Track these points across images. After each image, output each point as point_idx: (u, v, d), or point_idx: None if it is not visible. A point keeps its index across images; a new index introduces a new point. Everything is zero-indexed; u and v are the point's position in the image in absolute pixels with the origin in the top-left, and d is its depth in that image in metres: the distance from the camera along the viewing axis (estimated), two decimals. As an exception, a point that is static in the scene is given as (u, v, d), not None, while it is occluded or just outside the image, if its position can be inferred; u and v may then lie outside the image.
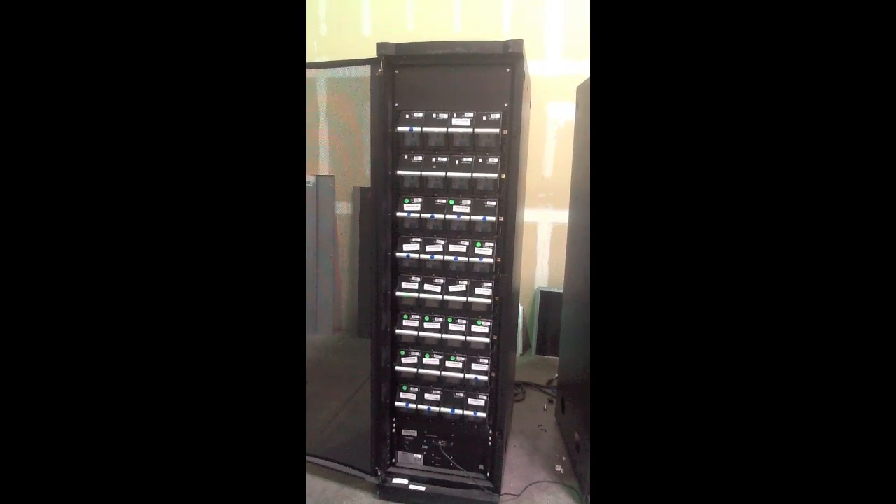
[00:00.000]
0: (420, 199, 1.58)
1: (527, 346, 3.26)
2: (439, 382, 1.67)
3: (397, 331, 1.65)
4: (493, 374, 1.64)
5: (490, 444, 1.68)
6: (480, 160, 1.52)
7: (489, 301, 1.57)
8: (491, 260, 1.55)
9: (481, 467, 1.71)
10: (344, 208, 3.45)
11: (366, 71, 1.54)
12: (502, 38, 1.40)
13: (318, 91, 3.36)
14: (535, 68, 2.98)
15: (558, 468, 1.96)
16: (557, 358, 2.63)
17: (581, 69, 2.99)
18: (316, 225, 3.36)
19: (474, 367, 1.62)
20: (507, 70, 1.45)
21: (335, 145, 3.41)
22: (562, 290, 2.36)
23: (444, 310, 1.63)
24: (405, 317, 1.65)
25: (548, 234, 3.19)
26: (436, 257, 1.58)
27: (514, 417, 2.35)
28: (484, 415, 1.63)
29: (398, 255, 1.61)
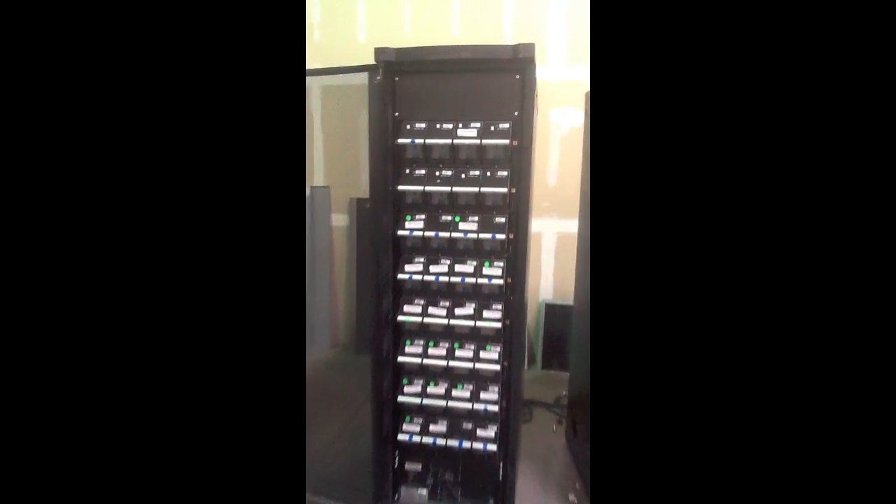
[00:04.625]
0: (423, 216, 1.49)
1: (532, 361, 3.16)
2: (445, 413, 1.57)
3: (399, 358, 1.55)
4: (504, 404, 1.54)
5: (501, 477, 1.58)
6: (488, 173, 1.44)
7: (499, 325, 1.48)
8: (500, 281, 1.46)
9: (492, 501, 1.61)
10: (340, 220, 3.36)
11: (363, 78, 1.45)
12: (503, 43, 1.32)
13: (313, 99, 3.29)
14: (538, 74, 2.89)
15: (572, 498, 1.84)
16: (564, 373, 2.54)
17: (585, 74, 2.92)
18: (311, 238, 3.29)
19: (483, 395, 1.52)
20: (517, 76, 1.38)
21: (331, 155, 3.33)
22: (567, 303, 2.30)
23: (450, 335, 1.53)
24: (408, 342, 1.55)
25: (552, 245, 3.10)
26: (441, 278, 1.49)
27: (522, 439, 2.24)
28: (494, 447, 1.53)
29: (400, 276, 1.52)
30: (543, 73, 2.93)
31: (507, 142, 1.40)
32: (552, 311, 3.03)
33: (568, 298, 2.76)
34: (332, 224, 3.34)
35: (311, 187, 3.28)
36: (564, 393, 2.51)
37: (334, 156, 3.33)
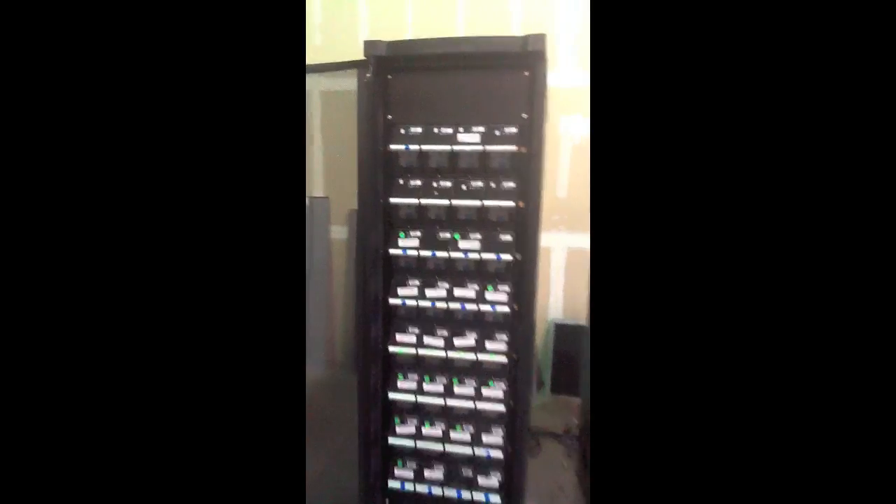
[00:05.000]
0: (418, 233, 1.40)
1: (540, 385, 3.01)
2: (442, 457, 1.46)
3: (390, 394, 1.45)
4: (510, 449, 1.41)
5: (506, 532, 1.44)
6: (493, 185, 1.35)
7: (504, 359, 1.37)
8: (506, 308, 1.36)
9: (495, 558, 1.48)
10: (339, 233, 3.27)
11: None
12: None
13: (312, 105, 3.22)
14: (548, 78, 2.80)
15: (586, 548, 1.66)
16: (574, 398, 2.42)
17: (599, 79, 2.79)
18: (309, 250, 3.21)
19: (486, 439, 1.41)
20: (526, 73, 1.28)
21: (330, 163, 3.24)
22: (578, 322, 2.24)
23: (449, 368, 1.44)
24: (400, 377, 1.45)
25: (562, 260, 2.97)
26: (438, 304, 1.40)
27: (528, 477, 2.08)
28: (497, 498, 1.42)
29: (392, 301, 1.42)
30: (553, 78, 2.81)
31: (513, 148, 1.30)
32: (562, 331, 2.90)
33: (579, 318, 2.65)
34: (330, 237, 3.25)
35: (310, 198, 3.20)
36: (576, 421, 2.36)
37: (334, 165, 3.24)
